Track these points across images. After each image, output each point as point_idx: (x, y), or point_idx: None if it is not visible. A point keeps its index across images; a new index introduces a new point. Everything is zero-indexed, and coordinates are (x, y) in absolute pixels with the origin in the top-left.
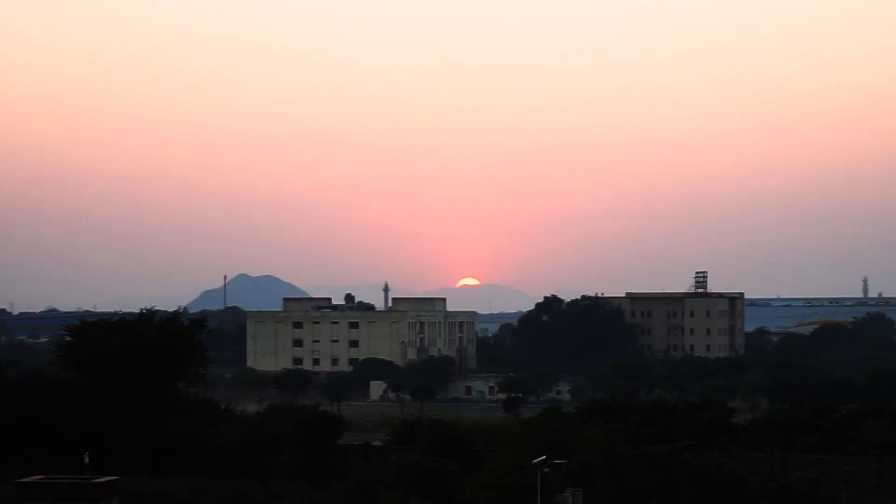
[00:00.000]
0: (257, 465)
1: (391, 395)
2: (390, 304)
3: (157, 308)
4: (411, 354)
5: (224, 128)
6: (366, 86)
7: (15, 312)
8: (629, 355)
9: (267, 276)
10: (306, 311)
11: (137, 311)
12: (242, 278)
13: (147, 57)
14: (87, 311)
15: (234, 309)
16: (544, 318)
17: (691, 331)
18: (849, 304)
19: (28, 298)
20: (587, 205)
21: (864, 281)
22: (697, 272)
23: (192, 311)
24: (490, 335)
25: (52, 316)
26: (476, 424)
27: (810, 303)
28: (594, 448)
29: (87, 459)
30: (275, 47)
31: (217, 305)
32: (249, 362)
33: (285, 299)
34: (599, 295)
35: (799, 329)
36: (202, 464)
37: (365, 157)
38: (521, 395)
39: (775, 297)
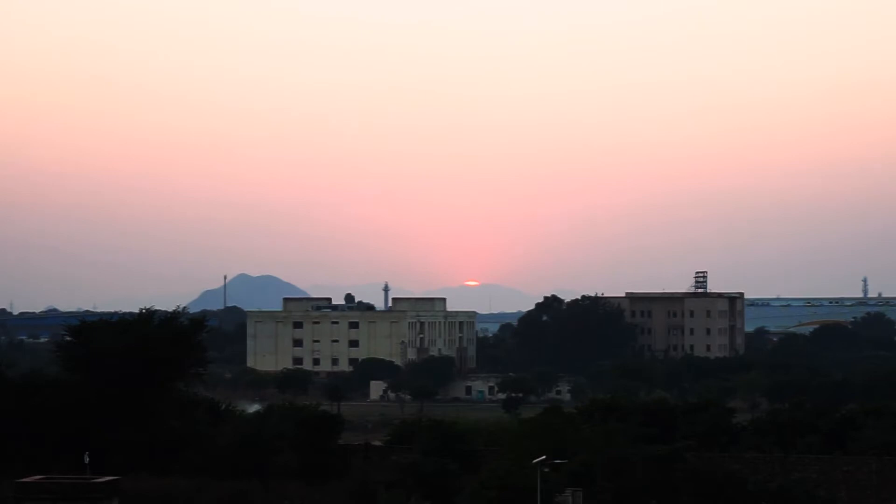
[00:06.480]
0: (257, 465)
1: (391, 395)
2: (390, 304)
3: (156, 308)
4: (411, 354)
5: (224, 128)
6: (366, 86)
7: (15, 312)
8: (629, 355)
9: (267, 276)
10: (306, 311)
11: (137, 311)
12: (242, 278)
13: (147, 56)
14: (87, 311)
15: (234, 309)
16: (544, 318)
17: (691, 331)
18: (849, 304)
19: (28, 298)
20: (587, 205)
21: (864, 281)
22: (697, 272)
23: (192, 311)
24: (490, 335)
25: (52, 316)
26: (476, 424)
27: (810, 303)
28: (594, 448)
29: (87, 459)
30: (275, 47)
31: (217, 305)
32: (249, 362)
33: (285, 299)
34: (599, 295)
35: (799, 329)
36: (202, 464)
37: (365, 158)
38: (521, 395)
39: (775, 297)
